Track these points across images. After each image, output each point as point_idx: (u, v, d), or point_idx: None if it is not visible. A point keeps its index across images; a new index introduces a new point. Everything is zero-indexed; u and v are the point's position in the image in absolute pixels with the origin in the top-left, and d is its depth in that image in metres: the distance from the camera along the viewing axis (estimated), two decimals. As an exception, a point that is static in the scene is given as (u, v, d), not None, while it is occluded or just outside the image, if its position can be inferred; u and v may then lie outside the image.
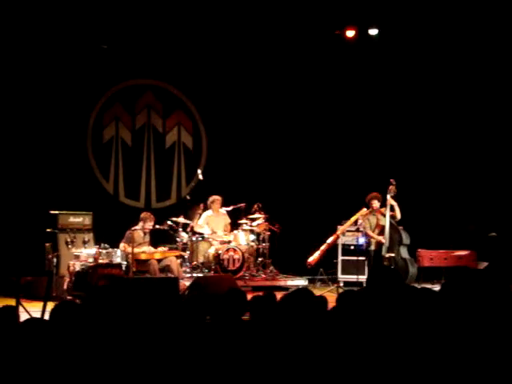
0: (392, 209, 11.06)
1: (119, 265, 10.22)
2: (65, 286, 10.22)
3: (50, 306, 5.64)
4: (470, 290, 4.04)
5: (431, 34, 12.66)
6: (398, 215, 11.05)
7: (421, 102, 13.50)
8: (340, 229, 11.62)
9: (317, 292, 8.12)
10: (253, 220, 12.40)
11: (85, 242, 10.87)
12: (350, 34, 12.79)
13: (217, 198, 12.31)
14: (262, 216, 12.36)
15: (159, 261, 10.94)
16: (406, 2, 11.55)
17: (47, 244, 11.04)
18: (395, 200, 11.04)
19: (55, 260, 10.65)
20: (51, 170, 12.63)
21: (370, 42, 13.04)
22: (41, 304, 8.29)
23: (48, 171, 12.59)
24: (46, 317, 5.04)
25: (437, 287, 10.42)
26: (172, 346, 4.21)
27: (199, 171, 12.79)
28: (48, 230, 11.16)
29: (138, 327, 4.45)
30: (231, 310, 4.65)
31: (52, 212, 11.29)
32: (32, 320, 4.29)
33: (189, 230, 11.98)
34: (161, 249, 11.23)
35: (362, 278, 11.45)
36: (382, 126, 13.76)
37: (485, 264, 11.26)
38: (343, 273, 12.31)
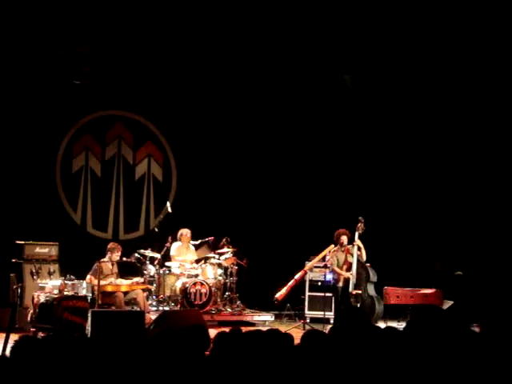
0: (359, 248, 11.13)
1: (85, 297, 10.10)
2: (28, 318, 10.07)
3: (13, 337, 5.56)
4: (434, 329, 4.06)
5: (403, 80, 12.88)
6: (364, 256, 11.14)
7: (387, 141, 13.69)
8: (308, 265, 11.63)
9: (283, 328, 8.11)
10: (221, 254, 12.37)
11: (50, 273, 10.77)
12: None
13: (186, 231, 12.30)
14: (230, 250, 12.34)
15: (125, 293, 10.83)
16: (378, 48, 11.77)
17: (12, 274, 10.90)
18: (361, 240, 11.11)
19: (19, 291, 10.50)
20: (18, 199, 12.52)
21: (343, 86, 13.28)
22: (3, 336, 8.16)
23: (15, 200, 12.48)
24: (9, 349, 4.96)
25: (403, 325, 10.41)
26: (136, 381, 4.16)
27: (168, 204, 12.76)
28: (13, 260, 11.03)
29: (102, 361, 4.39)
30: (193, 345, 4.61)
31: (18, 242, 11.18)
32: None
33: (156, 262, 11.91)
34: (127, 281, 11.13)
35: (329, 315, 11.47)
36: (350, 163, 13.91)
37: (450, 303, 11.33)
38: (310, 309, 12.29)
